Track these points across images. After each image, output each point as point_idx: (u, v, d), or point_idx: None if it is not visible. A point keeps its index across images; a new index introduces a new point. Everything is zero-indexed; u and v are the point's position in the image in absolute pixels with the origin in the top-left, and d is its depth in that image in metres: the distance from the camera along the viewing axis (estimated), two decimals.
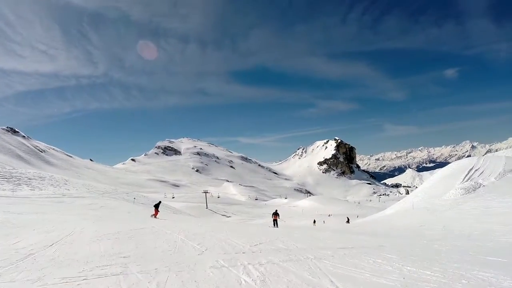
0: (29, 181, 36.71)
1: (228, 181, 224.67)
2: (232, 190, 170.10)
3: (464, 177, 37.95)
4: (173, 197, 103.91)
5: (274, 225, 26.32)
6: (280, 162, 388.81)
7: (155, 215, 25.37)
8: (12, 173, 38.74)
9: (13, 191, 30.43)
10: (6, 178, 35.21)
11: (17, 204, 23.13)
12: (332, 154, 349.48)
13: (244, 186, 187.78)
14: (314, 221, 49.53)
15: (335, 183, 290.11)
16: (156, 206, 26.68)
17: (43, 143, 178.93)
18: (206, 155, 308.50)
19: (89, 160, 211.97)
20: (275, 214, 27.64)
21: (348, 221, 48.44)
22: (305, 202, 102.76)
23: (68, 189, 38.25)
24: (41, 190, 34.33)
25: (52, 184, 38.59)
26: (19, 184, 34.35)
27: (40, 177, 40.56)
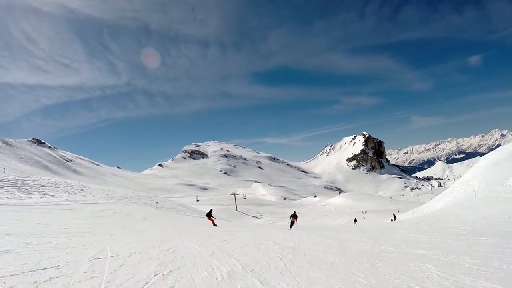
0: (42, 188, 34.51)
1: (256, 181, 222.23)
2: (261, 191, 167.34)
3: None
4: (197, 200, 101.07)
5: (291, 227, 23.91)
6: (308, 161, 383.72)
7: (213, 223, 23.93)
8: (25, 181, 36.48)
9: (20, 199, 27.98)
10: (17, 186, 33.11)
11: (6, 212, 20.23)
12: (361, 150, 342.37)
13: (273, 186, 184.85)
14: (355, 220, 45.23)
15: (365, 179, 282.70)
16: (209, 215, 25.24)
17: (70, 153, 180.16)
18: (233, 157, 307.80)
19: (116, 167, 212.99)
20: (293, 216, 25.13)
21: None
22: (337, 200, 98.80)
23: (84, 195, 35.89)
24: (53, 197, 31.99)
25: (67, 191, 36.25)
26: (30, 192, 32.13)
27: (55, 184, 38.28)
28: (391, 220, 43.72)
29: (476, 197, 29.78)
